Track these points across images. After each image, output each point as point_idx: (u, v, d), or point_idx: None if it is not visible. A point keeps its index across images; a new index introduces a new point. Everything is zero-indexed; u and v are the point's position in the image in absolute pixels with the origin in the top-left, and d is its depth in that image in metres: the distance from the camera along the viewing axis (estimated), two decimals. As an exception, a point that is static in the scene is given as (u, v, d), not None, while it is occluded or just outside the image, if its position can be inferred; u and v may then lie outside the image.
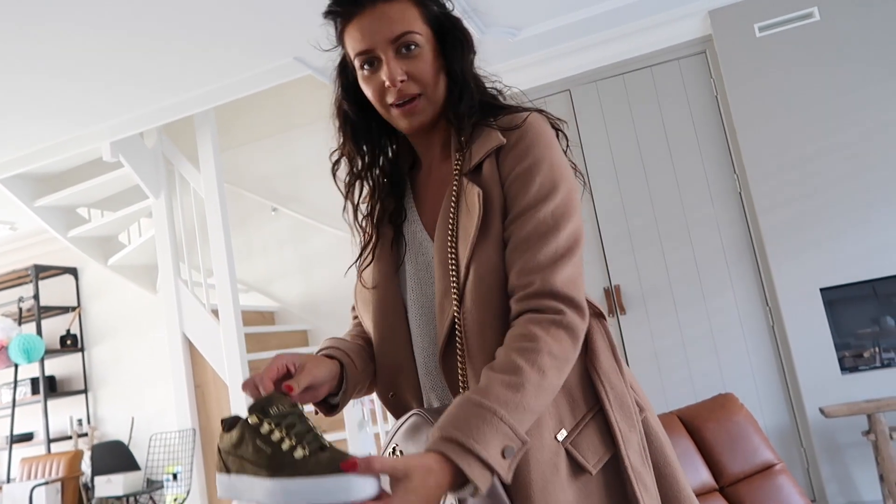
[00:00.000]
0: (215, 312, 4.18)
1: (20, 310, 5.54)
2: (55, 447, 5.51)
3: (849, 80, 3.28)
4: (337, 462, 0.68)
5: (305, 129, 4.92)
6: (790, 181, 3.32)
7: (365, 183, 1.06)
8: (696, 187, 3.57)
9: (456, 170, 0.96)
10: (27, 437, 5.68)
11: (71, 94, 3.51)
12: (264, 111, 4.68)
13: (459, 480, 0.72)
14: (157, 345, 5.17)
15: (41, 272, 5.76)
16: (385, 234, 1.04)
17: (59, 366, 5.86)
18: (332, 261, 4.72)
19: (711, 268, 3.50)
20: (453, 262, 0.91)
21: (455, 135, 0.98)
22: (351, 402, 1.39)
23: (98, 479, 4.57)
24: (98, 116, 3.87)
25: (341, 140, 1.05)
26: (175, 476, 4.13)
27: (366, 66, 0.96)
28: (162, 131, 4.38)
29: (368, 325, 1.04)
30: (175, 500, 4.10)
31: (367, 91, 0.98)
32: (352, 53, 0.98)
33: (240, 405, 3.95)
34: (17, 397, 5.42)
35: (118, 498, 4.45)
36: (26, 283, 5.90)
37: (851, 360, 3.20)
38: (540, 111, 0.99)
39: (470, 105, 0.98)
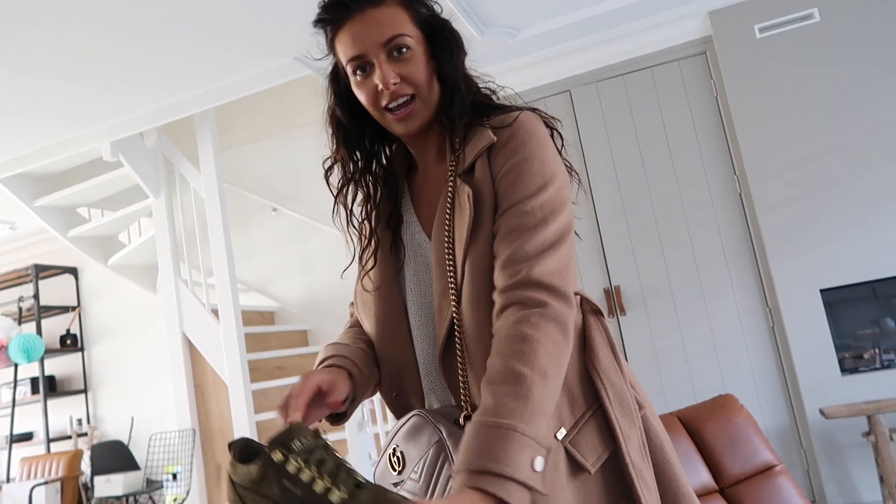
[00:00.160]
0: (215, 312, 4.18)
1: (20, 309, 5.54)
2: (55, 447, 5.51)
3: (849, 81, 3.28)
4: None
5: (305, 129, 4.91)
6: (790, 181, 3.32)
7: (359, 188, 1.06)
8: (697, 188, 3.57)
9: (451, 171, 0.96)
10: (27, 437, 5.68)
11: (71, 93, 3.51)
12: (264, 111, 4.68)
13: None
14: (157, 345, 5.16)
15: (41, 272, 5.76)
16: (384, 238, 1.04)
17: (58, 365, 5.86)
18: (332, 261, 4.72)
19: (711, 268, 3.50)
20: (450, 263, 0.91)
21: (449, 136, 0.98)
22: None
23: (98, 479, 4.58)
24: (98, 116, 3.87)
25: (334, 146, 1.05)
26: (175, 476, 4.14)
27: (358, 72, 0.96)
28: (162, 131, 4.38)
29: (369, 328, 1.04)
30: (175, 500, 4.10)
31: (361, 96, 0.98)
32: (343, 60, 0.97)
33: (239, 404, 3.96)
34: (16, 397, 5.42)
35: (118, 498, 4.45)
36: (26, 282, 5.90)
37: (851, 362, 3.20)
38: (533, 110, 0.99)
39: (462, 106, 0.97)
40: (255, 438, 4.21)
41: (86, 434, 5.45)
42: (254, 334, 4.39)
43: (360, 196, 1.06)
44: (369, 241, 1.04)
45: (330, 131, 1.05)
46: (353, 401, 0.98)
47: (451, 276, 0.91)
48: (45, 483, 4.42)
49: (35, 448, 5.59)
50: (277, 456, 0.68)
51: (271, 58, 3.44)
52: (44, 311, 5.70)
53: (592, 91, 3.81)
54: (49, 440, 5.48)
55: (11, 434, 5.23)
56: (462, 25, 3.23)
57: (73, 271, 5.94)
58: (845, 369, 3.19)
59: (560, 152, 0.98)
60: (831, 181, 3.26)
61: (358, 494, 0.65)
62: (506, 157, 0.92)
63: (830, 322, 3.22)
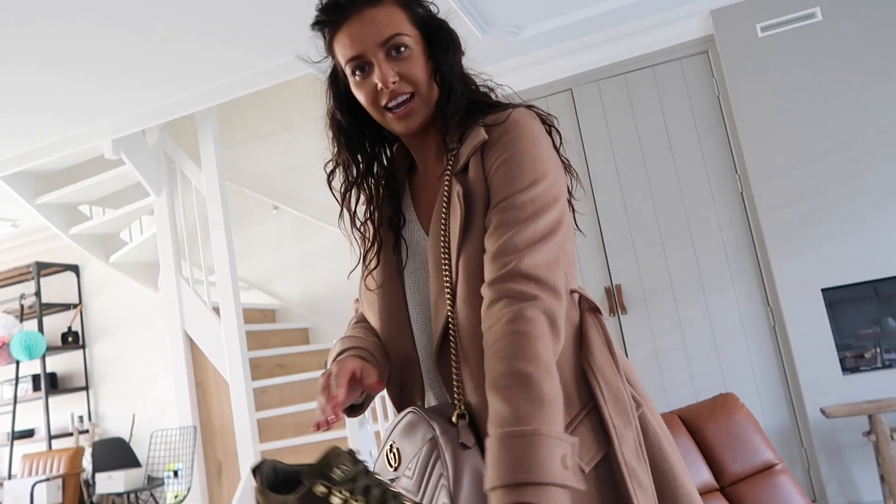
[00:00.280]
0: (216, 310, 4.19)
1: (22, 307, 5.55)
2: (56, 444, 5.53)
3: (851, 81, 3.28)
4: None
5: (307, 127, 4.91)
6: (792, 181, 3.32)
7: (361, 191, 1.06)
8: (698, 187, 3.56)
9: (447, 170, 0.96)
10: (28, 434, 5.69)
11: (73, 91, 3.52)
12: (266, 109, 4.68)
13: None
14: (159, 342, 5.17)
15: (43, 269, 5.77)
16: (387, 238, 1.04)
17: (60, 363, 5.87)
18: (333, 259, 4.72)
19: (712, 268, 3.50)
20: (446, 262, 0.92)
21: (444, 135, 0.99)
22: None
23: (99, 476, 4.59)
24: (100, 114, 3.88)
25: (336, 149, 1.05)
26: (176, 473, 4.15)
27: (357, 72, 0.96)
28: (163, 129, 4.38)
29: (373, 325, 1.05)
30: (176, 497, 4.11)
31: (360, 96, 0.98)
32: (342, 61, 0.97)
33: (240, 402, 3.96)
34: (18, 394, 5.42)
35: (119, 495, 4.46)
36: (28, 279, 5.91)
37: (852, 361, 3.20)
38: (529, 107, 0.99)
39: (458, 105, 0.97)
40: (257, 437, 4.19)
41: (87, 431, 5.46)
42: (255, 332, 4.39)
43: (362, 198, 1.07)
44: (373, 242, 1.05)
45: (331, 135, 1.05)
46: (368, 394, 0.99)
47: (446, 275, 0.91)
48: (47, 480, 4.43)
49: (36, 445, 5.60)
50: (320, 489, 0.64)
51: (273, 56, 3.44)
52: (45, 309, 5.71)
53: (594, 90, 3.80)
54: (50, 437, 5.50)
55: (13, 431, 5.23)
56: (463, 24, 3.23)
57: (75, 269, 5.95)
58: (846, 369, 3.19)
59: (558, 150, 0.98)
60: (833, 180, 3.25)
61: None
62: (497, 153, 0.92)
63: (831, 321, 3.22)
